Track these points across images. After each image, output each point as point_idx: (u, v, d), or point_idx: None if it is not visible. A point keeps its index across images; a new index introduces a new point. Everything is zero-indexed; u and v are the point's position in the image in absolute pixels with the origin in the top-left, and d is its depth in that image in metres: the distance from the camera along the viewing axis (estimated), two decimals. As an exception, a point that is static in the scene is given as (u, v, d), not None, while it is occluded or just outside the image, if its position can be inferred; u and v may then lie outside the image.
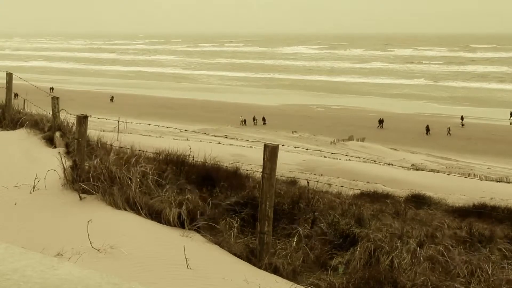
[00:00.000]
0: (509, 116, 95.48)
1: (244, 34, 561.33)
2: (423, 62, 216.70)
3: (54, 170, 9.88)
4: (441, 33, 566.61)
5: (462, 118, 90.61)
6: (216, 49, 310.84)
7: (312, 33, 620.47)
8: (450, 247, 9.04)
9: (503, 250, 9.71)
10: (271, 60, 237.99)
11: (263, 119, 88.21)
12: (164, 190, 9.54)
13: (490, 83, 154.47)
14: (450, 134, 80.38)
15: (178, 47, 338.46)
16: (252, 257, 7.97)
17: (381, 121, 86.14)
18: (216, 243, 8.09)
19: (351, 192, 22.95)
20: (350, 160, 41.55)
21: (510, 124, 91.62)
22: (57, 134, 13.27)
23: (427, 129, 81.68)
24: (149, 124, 19.46)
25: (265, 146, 7.92)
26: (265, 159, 7.88)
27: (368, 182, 34.02)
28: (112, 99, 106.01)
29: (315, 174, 34.21)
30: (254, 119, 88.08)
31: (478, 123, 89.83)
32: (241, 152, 31.61)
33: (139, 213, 8.50)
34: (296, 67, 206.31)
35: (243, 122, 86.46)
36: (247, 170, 12.67)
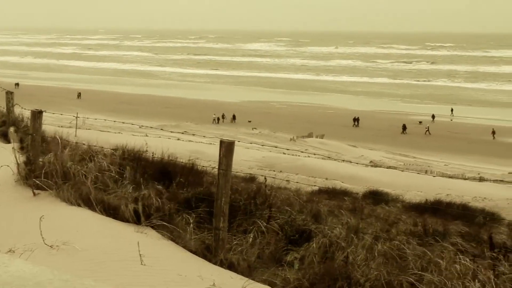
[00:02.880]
0: (450, 112, 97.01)
1: (206, 30, 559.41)
2: (386, 60, 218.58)
3: (8, 165, 9.76)
4: (406, 31, 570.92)
5: (433, 116, 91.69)
6: (178, 45, 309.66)
7: (276, 30, 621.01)
8: (405, 242, 9.13)
9: (457, 244, 9.83)
10: (234, 56, 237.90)
11: (233, 116, 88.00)
12: (121, 186, 9.49)
13: (453, 81, 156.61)
14: (429, 133, 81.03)
15: (141, 43, 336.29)
16: (207, 253, 7.96)
17: (356, 120, 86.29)
18: (171, 239, 8.06)
19: (309, 189, 23.09)
20: (309, 156, 41.73)
21: (451, 120, 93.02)
22: (11, 129, 13.12)
23: (404, 127, 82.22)
24: (105, 120, 19.29)
25: (221, 142, 7.92)
26: (221, 155, 7.88)
27: (326, 179, 34.28)
28: (79, 95, 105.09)
29: (274, 171, 34.38)
30: (223, 116, 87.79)
31: (437, 120, 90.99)
32: (200, 149, 31.63)
33: (94, 209, 8.44)
34: (259, 64, 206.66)
35: (216, 120, 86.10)
36: (203, 166, 12.64)
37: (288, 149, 34.26)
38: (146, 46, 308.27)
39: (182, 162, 11.84)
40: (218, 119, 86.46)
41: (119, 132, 42.89)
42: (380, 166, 45.12)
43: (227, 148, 7.88)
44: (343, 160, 40.81)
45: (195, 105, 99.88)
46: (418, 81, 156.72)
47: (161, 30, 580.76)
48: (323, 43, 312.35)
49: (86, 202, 8.58)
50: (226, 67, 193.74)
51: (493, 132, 79.03)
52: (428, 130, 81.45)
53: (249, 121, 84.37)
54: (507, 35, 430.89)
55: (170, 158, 11.70)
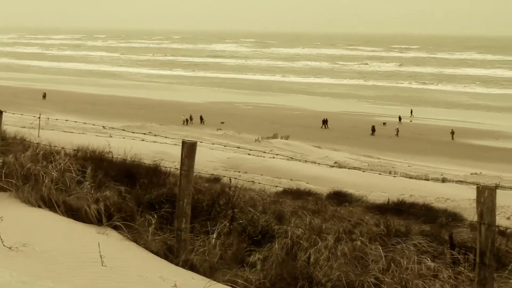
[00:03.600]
0: (410, 113, 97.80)
1: (171, 30, 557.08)
2: (353, 61, 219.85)
3: (-33, 166, 9.62)
4: (372, 33, 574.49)
5: (400, 118, 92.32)
6: (144, 46, 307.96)
7: (242, 30, 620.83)
8: (367, 243, 9.18)
9: (418, 245, 9.90)
10: (199, 57, 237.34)
11: (201, 117, 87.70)
12: (82, 187, 9.41)
13: (418, 83, 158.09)
14: (398, 135, 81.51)
15: (105, 43, 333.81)
16: (169, 254, 7.94)
17: (325, 121, 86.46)
18: (133, 240, 8.02)
19: (274, 190, 23.09)
20: (274, 157, 41.82)
21: (411, 121, 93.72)
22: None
23: (373, 129, 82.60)
24: (67, 120, 19.07)
25: (183, 143, 7.90)
26: (183, 156, 7.86)
27: (291, 180, 34.35)
28: (44, 95, 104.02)
29: (239, 172, 34.36)
30: (191, 118, 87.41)
31: (402, 121, 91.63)
32: (164, 149, 31.52)
33: (54, 211, 8.36)
34: (225, 65, 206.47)
35: (185, 122, 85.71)
36: (165, 167, 12.57)
37: (253, 150, 34.30)
38: (111, 46, 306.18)
39: (145, 163, 11.78)
40: (187, 120, 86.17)
41: (83, 133, 42.56)
42: (344, 167, 45.38)
43: (189, 149, 7.86)
44: (308, 161, 40.99)
45: (159, 106, 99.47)
46: (384, 82, 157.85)
47: (126, 30, 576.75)
48: (289, 44, 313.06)
49: (47, 203, 8.50)
50: (191, 68, 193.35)
51: (452, 133, 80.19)
52: (398, 131, 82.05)
53: (222, 123, 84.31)
54: (471, 38, 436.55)
55: (133, 159, 11.63)
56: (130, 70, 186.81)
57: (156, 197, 9.67)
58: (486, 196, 6.25)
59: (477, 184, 6.58)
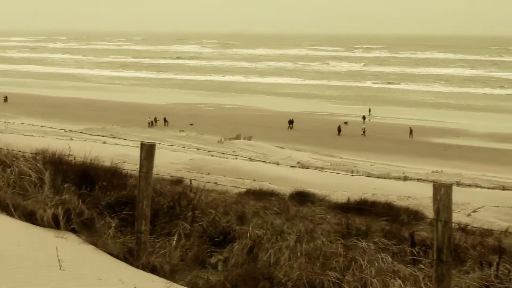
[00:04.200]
0: (368, 112, 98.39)
1: (132, 32, 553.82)
2: (315, 61, 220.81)
3: None
4: (335, 33, 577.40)
5: (363, 117, 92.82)
6: (105, 47, 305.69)
7: (203, 32, 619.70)
8: (328, 242, 9.21)
9: (379, 243, 9.96)
10: (160, 59, 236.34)
11: (164, 119, 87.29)
12: (41, 191, 9.31)
13: (381, 82, 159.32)
14: (364, 135, 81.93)
15: (65, 45, 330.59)
16: (129, 256, 7.89)
17: (290, 122, 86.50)
18: (92, 243, 7.96)
19: (237, 191, 23.05)
20: (237, 158, 41.80)
21: (369, 120, 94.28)
22: None
23: (339, 129, 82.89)
24: (23, 123, 18.85)
25: (142, 144, 7.85)
26: (142, 158, 7.82)
27: (254, 180, 34.37)
28: (5, 99, 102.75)
29: (202, 173, 34.28)
30: (155, 120, 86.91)
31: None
32: (126, 152, 31.22)
33: (11, 215, 8.25)
34: (187, 66, 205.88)
35: (151, 124, 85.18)
36: (128, 170, 12.50)
37: (216, 151, 34.24)
38: (72, 48, 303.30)
39: (105, 166, 11.68)
40: (152, 122, 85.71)
41: (43, 136, 42.09)
42: (307, 167, 45.52)
43: (147, 151, 7.82)
44: (271, 162, 41.04)
45: (121, 108, 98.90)
46: (347, 82, 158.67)
47: (86, 32, 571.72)
48: (251, 45, 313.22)
49: (4, 207, 8.39)
50: (153, 70, 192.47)
51: (411, 131, 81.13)
52: (364, 131, 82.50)
53: (191, 124, 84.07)
54: (433, 37, 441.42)
55: (93, 161, 11.53)
56: (91, 72, 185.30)
57: (116, 199, 9.59)
58: (442, 194, 6.32)
59: (433, 182, 6.67)
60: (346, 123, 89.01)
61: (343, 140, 78.66)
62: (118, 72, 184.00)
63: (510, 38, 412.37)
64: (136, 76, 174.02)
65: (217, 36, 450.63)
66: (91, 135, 19.81)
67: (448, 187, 6.33)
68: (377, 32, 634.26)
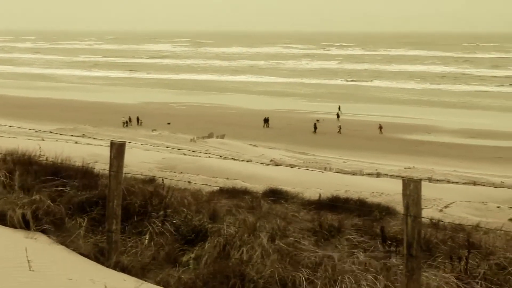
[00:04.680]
0: (338, 109, 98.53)
1: (102, 31, 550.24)
2: (289, 59, 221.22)
3: None
4: (308, 31, 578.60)
5: (338, 115, 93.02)
6: (76, 47, 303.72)
7: (174, 30, 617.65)
8: (300, 239, 9.24)
9: (351, 239, 10.02)
10: (133, 58, 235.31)
11: (137, 119, 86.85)
12: (11, 191, 9.23)
13: (355, 79, 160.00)
14: (340, 132, 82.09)
15: (35, 44, 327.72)
16: (100, 256, 7.85)
17: (266, 120, 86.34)
18: (62, 244, 7.90)
19: (210, 189, 23.01)
20: (210, 157, 41.73)
21: (338, 116, 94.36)
22: None
23: (315, 127, 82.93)
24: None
25: (112, 143, 7.81)
26: (112, 157, 7.78)
27: (227, 179, 34.34)
28: None
29: (175, 172, 34.19)
30: (130, 119, 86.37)
31: (333, 118, 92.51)
32: (98, 151, 31.06)
33: (-20, 216, 8.17)
34: (159, 65, 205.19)
35: (125, 123, 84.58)
36: (99, 169, 12.42)
37: (189, 150, 34.16)
38: (42, 48, 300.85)
39: (76, 166, 11.61)
40: (127, 122, 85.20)
41: (13, 137, 41.71)
42: (280, 165, 45.59)
43: (117, 150, 7.78)
44: (244, 160, 41.01)
45: (93, 108, 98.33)
46: (320, 80, 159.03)
47: (56, 31, 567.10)
48: (224, 44, 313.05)
49: (-28, 209, 8.30)
50: (125, 69, 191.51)
51: (380, 128, 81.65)
52: (340, 128, 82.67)
53: (168, 123, 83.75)
54: (407, 34, 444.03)
55: (64, 161, 11.46)
56: (62, 72, 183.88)
57: (87, 199, 9.54)
58: (411, 189, 6.36)
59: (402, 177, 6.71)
60: (318, 120, 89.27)
61: (317, 137, 78.87)
62: (90, 72, 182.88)
63: (480, 34, 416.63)
64: (108, 75, 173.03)
65: (189, 34, 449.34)
66: (61, 134, 19.66)
67: (417, 183, 6.38)
68: (350, 29, 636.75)
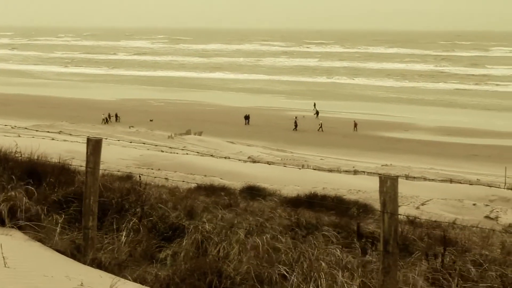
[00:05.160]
0: (313, 107, 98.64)
1: (78, 27, 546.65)
2: (268, 56, 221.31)
3: None
4: (285, 28, 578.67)
5: (317, 112, 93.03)
6: (53, 43, 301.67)
7: (153, 27, 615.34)
8: (278, 235, 9.26)
9: (328, 236, 10.05)
10: (111, 54, 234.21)
11: (115, 115, 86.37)
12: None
13: (333, 77, 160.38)
14: (322, 130, 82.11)
15: (12, 40, 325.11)
16: (77, 253, 7.81)
17: (246, 117, 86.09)
18: (39, 240, 7.86)
19: (188, 186, 23.02)
20: (187, 154, 41.68)
21: (314, 114, 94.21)
22: None
23: (295, 124, 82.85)
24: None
25: (88, 140, 7.77)
26: (88, 153, 7.74)
27: (205, 176, 34.31)
28: None
29: (152, 169, 34.07)
30: (109, 116, 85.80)
31: (311, 115, 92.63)
32: (75, 148, 30.89)
33: (-46, 213, 8.10)
34: (137, 62, 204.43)
35: (105, 120, 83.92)
36: (71, 165, 12.35)
37: (166, 146, 34.05)
38: (19, 43, 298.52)
39: (52, 162, 11.55)
40: (107, 119, 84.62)
41: (-11, 133, 41.37)
42: (258, 162, 45.63)
43: (94, 146, 7.75)
44: (222, 157, 41.01)
45: (70, 104, 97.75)
46: (299, 77, 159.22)
47: (34, 27, 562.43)
48: (202, 41, 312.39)
49: None
50: (103, 65, 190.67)
51: (355, 125, 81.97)
52: (321, 126, 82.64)
53: (151, 120, 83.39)
54: (385, 32, 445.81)
55: (40, 158, 11.38)
56: (39, 68, 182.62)
57: (63, 195, 9.49)
58: (388, 186, 6.39)
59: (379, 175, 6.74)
60: (296, 117, 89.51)
61: (295, 135, 78.98)
62: (67, 68, 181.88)
63: (459, 33, 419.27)
64: (86, 72, 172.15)
65: (167, 31, 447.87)
66: (37, 131, 19.58)
67: (394, 180, 6.41)
68: (329, 27, 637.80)
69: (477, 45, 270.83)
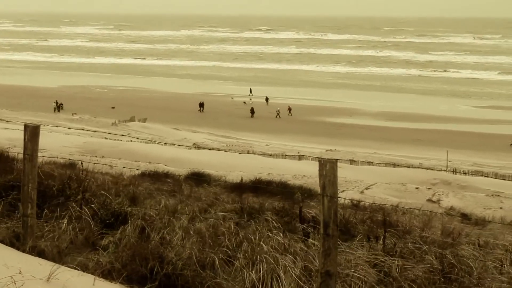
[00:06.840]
0: (249, 92, 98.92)
1: (18, 12, 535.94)
2: (215, 43, 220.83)
3: None
4: (232, 15, 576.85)
5: (266, 99, 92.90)
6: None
7: (99, 12, 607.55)
8: (221, 221, 9.27)
9: (271, 221, 10.09)
10: (52, 39, 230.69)
11: (60, 104, 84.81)
12: None
13: (282, 63, 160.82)
14: (279, 117, 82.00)
15: None
16: (16, 241, 7.70)
17: (201, 105, 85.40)
18: (-24, 229, 7.72)
19: (132, 173, 22.89)
20: (132, 141, 41.41)
21: (250, 100, 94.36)
22: None
23: (252, 111, 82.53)
24: None
25: (25, 126, 7.64)
26: (26, 140, 7.61)
27: (150, 163, 34.13)
28: None
29: (96, 156, 33.71)
30: (57, 103, 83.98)
31: (260, 101, 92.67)
32: (16, 136, 30.44)
33: None
34: (80, 48, 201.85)
35: (57, 108, 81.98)
36: (8, 152, 12.17)
37: (110, 133, 33.77)
38: None
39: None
40: (59, 107, 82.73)
41: None
42: (203, 148, 45.55)
43: (31, 132, 7.61)
44: (166, 143, 40.85)
45: (11, 91, 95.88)
46: (246, 64, 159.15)
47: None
48: (147, 27, 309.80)
49: None
50: (43, 52, 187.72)
51: (289, 109, 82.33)
52: (278, 113, 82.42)
53: (113, 107, 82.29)
54: (333, 18, 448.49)
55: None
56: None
57: (2, 184, 9.36)
58: (327, 169, 6.44)
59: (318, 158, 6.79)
60: (244, 102, 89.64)
61: (237, 121, 78.94)
62: (7, 55, 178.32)
63: (405, 19, 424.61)
64: (26, 59, 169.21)
65: (112, 17, 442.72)
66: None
67: (333, 163, 6.46)
68: (276, 13, 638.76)
69: (422, 31, 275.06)
